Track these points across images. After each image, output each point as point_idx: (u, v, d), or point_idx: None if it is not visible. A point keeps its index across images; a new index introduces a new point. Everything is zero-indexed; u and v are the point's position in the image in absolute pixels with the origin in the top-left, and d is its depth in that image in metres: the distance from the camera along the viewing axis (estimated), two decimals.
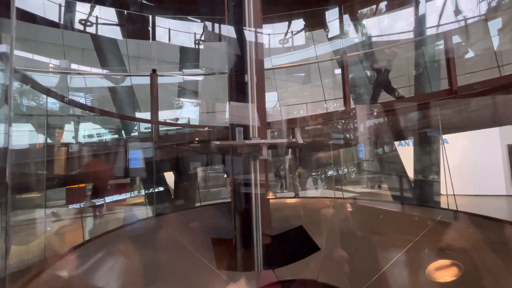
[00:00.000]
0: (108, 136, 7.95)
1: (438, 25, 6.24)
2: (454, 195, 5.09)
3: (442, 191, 5.39)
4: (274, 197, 5.18)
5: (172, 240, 2.25)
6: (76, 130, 7.42)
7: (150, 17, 7.01)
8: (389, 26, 7.54)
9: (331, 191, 7.35)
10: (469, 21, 6.88)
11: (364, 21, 7.53)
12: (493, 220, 2.33)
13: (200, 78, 8.81)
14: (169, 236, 2.27)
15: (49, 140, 4.05)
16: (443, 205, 5.02)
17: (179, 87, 8.27)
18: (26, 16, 6.04)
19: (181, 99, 9.01)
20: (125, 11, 6.60)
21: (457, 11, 6.76)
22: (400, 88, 8.03)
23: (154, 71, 3.59)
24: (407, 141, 6.74)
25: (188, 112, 9.03)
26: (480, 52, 7.02)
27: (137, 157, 3.82)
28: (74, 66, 9.35)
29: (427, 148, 5.65)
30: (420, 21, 6.64)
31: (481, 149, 7.76)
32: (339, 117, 4.09)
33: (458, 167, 6.39)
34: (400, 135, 5.63)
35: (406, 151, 6.39)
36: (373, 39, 7.40)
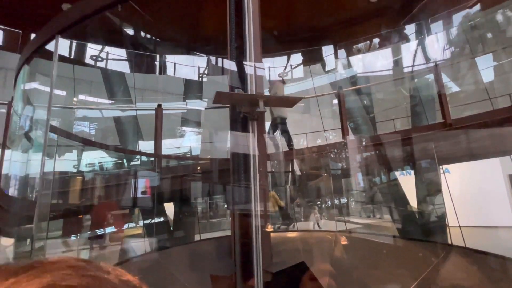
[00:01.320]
0: (109, 165, 8.00)
1: (427, 62, 6.59)
2: (459, 226, 4.98)
3: (448, 221, 5.28)
4: (273, 229, 5.08)
5: (172, 277, 2.20)
6: (78, 160, 7.51)
7: (158, 56, 7.46)
8: (382, 61, 7.97)
9: (333, 222, 7.19)
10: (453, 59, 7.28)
11: (359, 56, 7.96)
12: (500, 257, 2.28)
13: (202, 108, 9.10)
14: (168, 274, 2.22)
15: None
16: (449, 237, 4.89)
17: (183, 118, 8.51)
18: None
19: (184, 129, 9.22)
20: (134, 50, 7.04)
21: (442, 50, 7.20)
22: (398, 118, 8.27)
23: (159, 106, 3.77)
24: (408, 170, 6.75)
25: (190, 141, 9.18)
26: (470, 86, 7.32)
27: (138, 187, 3.84)
28: (81, 97, 9.75)
29: (428, 178, 5.65)
30: (410, 56, 7.04)
31: (483, 179, 7.73)
32: (338, 148, 4.17)
33: (461, 198, 6.32)
34: (399, 165, 5.67)
35: (407, 180, 6.37)
36: (368, 74, 7.78)
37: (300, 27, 7.06)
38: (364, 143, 4.29)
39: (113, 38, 6.77)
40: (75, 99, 8.77)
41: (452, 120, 3.92)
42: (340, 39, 7.25)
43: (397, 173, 6.39)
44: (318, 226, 7.49)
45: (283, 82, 4.90)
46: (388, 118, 8.71)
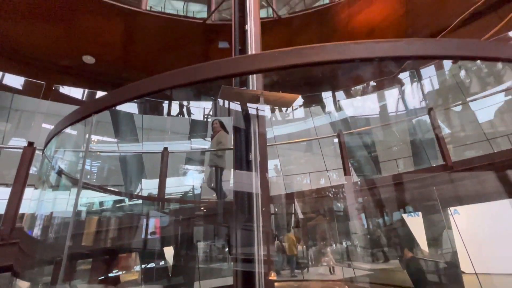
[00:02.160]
0: (109, 204, 7.90)
1: (422, 104, 6.87)
2: (476, 274, 4.67)
3: (462, 267, 4.97)
4: (276, 278, 4.79)
5: None
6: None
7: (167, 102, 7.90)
8: (379, 102, 8.31)
9: (340, 267, 6.78)
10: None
11: (357, 98, 8.33)
12: None
13: (207, 147, 9.29)
14: None
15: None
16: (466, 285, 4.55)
17: (187, 156, 8.64)
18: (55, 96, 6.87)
19: (188, 167, 9.29)
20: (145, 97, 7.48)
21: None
22: (400, 159, 8.31)
23: (165, 148, 3.90)
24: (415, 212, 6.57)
25: (194, 179, 9.18)
26: (467, 127, 7.48)
27: (141, 228, 3.76)
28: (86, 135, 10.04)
29: (436, 220, 5.48)
30: (406, 99, 7.35)
31: (495, 221, 7.42)
32: (341, 190, 4.16)
33: (473, 241, 6.02)
34: (405, 207, 5.55)
35: (415, 222, 6.16)
36: (367, 115, 8.06)
37: (301, 73, 7.55)
38: (367, 185, 4.28)
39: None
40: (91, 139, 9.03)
41: (453, 163, 3.96)
42: (337, 84, 7.69)
43: (405, 215, 6.22)
44: (333, 271, 7.03)
45: (226, 131, 4.68)
46: (390, 157, 8.76)
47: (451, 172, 4.00)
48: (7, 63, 5.97)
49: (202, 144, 9.63)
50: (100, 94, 8.35)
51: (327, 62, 0.92)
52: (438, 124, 4.24)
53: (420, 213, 5.58)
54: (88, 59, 6.23)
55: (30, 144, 3.22)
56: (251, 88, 3.70)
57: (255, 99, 3.21)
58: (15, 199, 2.93)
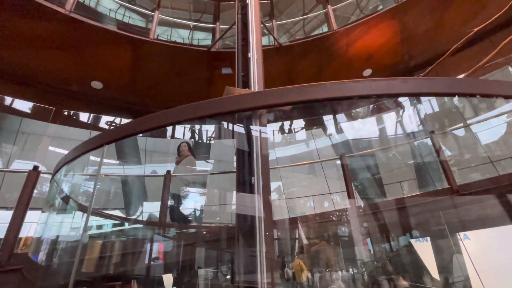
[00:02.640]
0: (109, 228, 7.75)
1: (423, 127, 6.92)
2: None
3: None
4: None
5: None
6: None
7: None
8: (380, 124, 8.39)
9: None
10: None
11: (359, 120, 8.43)
12: None
13: (208, 168, 9.28)
14: None
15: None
16: None
17: (190, 180, 8.59)
18: (63, 119, 7.03)
19: (189, 190, 9.21)
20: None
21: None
22: (404, 181, 8.21)
23: (168, 172, 3.91)
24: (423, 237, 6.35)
25: (195, 202, 9.06)
26: (470, 149, 7.46)
27: (139, 257, 3.66)
28: (92, 158, 10.13)
29: (444, 245, 5.27)
30: (407, 121, 7.43)
31: (508, 246, 7.14)
32: (345, 214, 4.08)
33: (485, 268, 5.75)
34: (412, 231, 5.39)
35: (424, 248, 5.93)
36: (369, 137, 8.10)
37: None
38: (372, 209, 4.21)
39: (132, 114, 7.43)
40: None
41: (458, 186, 3.91)
42: (337, 106, 7.81)
43: (412, 240, 6.01)
44: None
45: (194, 156, 4.58)
46: (394, 179, 8.66)
47: (457, 195, 3.94)
48: (17, 88, 6.18)
49: (205, 166, 9.62)
50: (105, 118, 8.54)
51: (327, 99, 0.96)
52: (440, 147, 4.25)
53: (428, 238, 5.39)
54: (96, 85, 6.46)
55: (35, 168, 3.25)
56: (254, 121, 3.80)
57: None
58: (16, 224, 2.91)
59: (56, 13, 4.82)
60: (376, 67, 6.92)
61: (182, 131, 9.23)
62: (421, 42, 6.38)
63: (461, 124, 7.68)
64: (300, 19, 7.89)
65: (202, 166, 9.83)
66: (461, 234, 5.86)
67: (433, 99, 7.95)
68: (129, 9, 9.02)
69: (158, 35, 6.64)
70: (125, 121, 8.48)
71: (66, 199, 2.60)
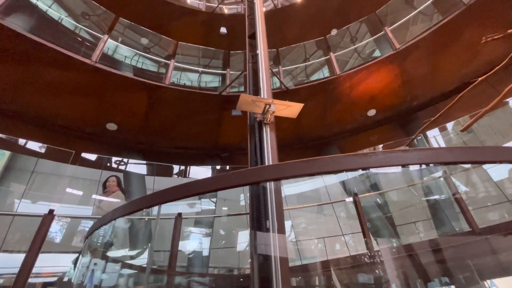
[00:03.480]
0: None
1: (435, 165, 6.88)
2: None
3: None
4: None
5: None
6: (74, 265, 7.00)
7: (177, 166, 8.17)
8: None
9: None
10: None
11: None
12: None
13: (212, 207, 9.08)
14: None
15: None
16: None
17: (195, 220, 8.39)
18: (63, 156, 7.17)
19: (194, 230, 8.93)
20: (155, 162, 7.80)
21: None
22: (419, 221, 7.90)
23: (179, 214, 3.85)
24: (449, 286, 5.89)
25: (201, 243, 8.70)
26: (485, 188, 7.30)
27: None
28: (96, 196, 10.06)
29: None
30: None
31: None
32: (363, 262, 3.86)
33: None
34: (436, 279, 5.01)
35: None
36: (378, 172, 8.03)
37: (308, 136, 7.88)
38: (392, 253, 3.99)
39: (142, 155, 7.61)
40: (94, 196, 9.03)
41: (480, 229, 3.76)
42: (345, 144, 7.93)
43: None
44: None
45: (123, 192, 4.29)
46: (406, 219, 8.33)
47: (481, 238, 3.77)
48: (34, 129, 6.43)
49: (211, 205, 9.44)
50: (114, 159, 8.69)
51: (334, 172, 1.01)
52: (454, 185, 4.19)
53: (453, 287, 5.00)
54: (111, 126, 6.74)
55: (51, 212, 3.25)
56: (266, 162, 3.86)
57: (268, 106, 3.47)
58: (27, 269, 2.81)
59: (83, 64, 5.27)
60: (380, 107, 7.17)
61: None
62: (421, 84, 6.71)
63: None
64: (303, 65, 8.46)
65: (208, 205, 9.65)
66: (488, 282, 5.43)
67: (439, 136, 8.05)
68: (144, 56, 9.78)
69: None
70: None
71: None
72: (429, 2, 6.49)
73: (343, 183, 8.99)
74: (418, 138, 7.49)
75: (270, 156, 3.90)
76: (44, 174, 7.38)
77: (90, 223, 8.30)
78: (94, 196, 9.47)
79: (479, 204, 7.01)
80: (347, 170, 1.10)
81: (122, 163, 8.96)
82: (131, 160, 8.62)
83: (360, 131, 7.80)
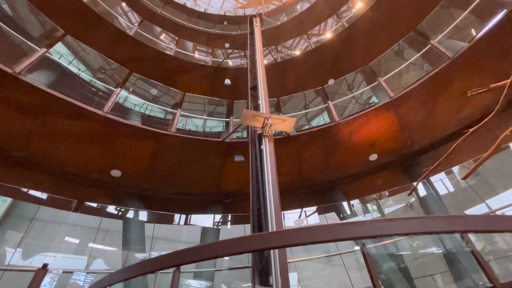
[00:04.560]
0: None
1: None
2: None
3: None
4: None
5: None
6: None
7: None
8: (397, 204, 8.11)
9: None
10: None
11: (370, 204, 8.22)
12: None
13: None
14: None
15: None
16: None
17: (194, 273, 7.86)
18: (64, 204, 7.08)
19: (194, 283, 8.30)
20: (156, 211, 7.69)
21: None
22: (436, 274, 7.29)
23: (178, 268, 3.65)
24: None
25: None
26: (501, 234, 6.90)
27: None
28: (92, 245, 9.64)
29: None
30: (425, 205, 7.19)
31: None
32: None
33: None
34: None
35: None
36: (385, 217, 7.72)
37: (311, 181, 7.82)
38: None
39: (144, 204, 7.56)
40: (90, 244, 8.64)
41: (501, 285, 3.47)
42: (350, 189, 7.81)
43: None
44: None
45: None
46: (422, 270, 7.71)
47: None
48: (37, 176, 6.48)
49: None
50: (111, 207, 8.57)
51: (335, 240, 1.02)
52: (469, 240, 3.98)
53: None
54: (116, 173, 6.81)
55: (44, 266, 3.12)
56: (268, 211, 3.82)
57: (266, 120, 3.87)
58: None
59: (95, 115, 5.60)
60: (381, 152, 7.25)
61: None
62: (419, 130, 6.88)
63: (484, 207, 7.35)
64: (303, 112, 8.85)
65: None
66: None
67: (446, 180, 7.92)
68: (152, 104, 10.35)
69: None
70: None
71: None
72: (417, 55, 7.04)
73: None
74: (423, 181, 7.37)
75: (269, 162, 4.02)
76: (42, 221, 7.23)
77: (82, 275, 7.80)
78: (90, 244, 9.07)
79: (499, 254, 6.54)
80: (337, 240, 1.10)
81: (122, 210, 8.80)
82: (132, 208, 8.47)
83: (364, 175, 7.75)
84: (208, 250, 1.23)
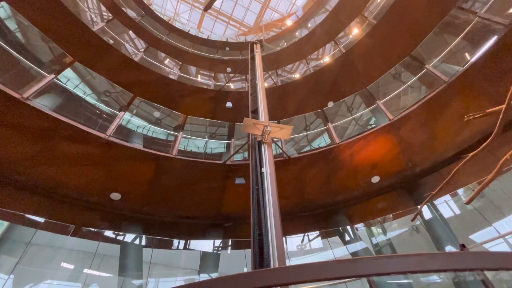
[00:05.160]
0: None
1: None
2: None
3: None
4: None
5: None
6: None
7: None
8: (402, 227, 7.87)
9: None
10: None
11: (374, 228, 7.99)
12: None
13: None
14: None
15: None
16: None
17: None
18: (62, 228, 6.93)
19: None
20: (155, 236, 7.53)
21: None
22: None
23: None
24: None
25: None
26: None
27: None
28: (88, 271, 9.29)
29: None
30: (430, 228, 6.99)
31: None
32: None
33: None
34: None
35: None
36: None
37: (313, 204, 7.70)
38: None
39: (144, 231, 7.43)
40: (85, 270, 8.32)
41: None
42: (353, 213, 7.65)
43: None
44: None
45: None
46: None
47: None
48: (34, 199, 6.38)
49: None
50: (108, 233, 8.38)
51: (346, 277, 1.00)
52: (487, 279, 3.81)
53: None
54: (115, 196, 6.75)
55: None
56: (269, 234, 3.75)
57: (265, 127, 4.20)
58: None
59: (98, 138, 5.67)
60: (383, 174, 7.19)
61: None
62: (420, 151, 6.87)
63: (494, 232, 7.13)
64: (304, 134, 8.92)
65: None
66: None
67: (451, 202, 7.76)
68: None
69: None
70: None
71: None
72: (414, 79, 7.22)
73: (355, 255, 8.27)
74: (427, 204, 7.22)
75: (268, 165, 4.22)
76: (38, 246, 7.04)
77: None
78: (85, 270, 8.75)
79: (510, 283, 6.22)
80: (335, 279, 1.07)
81: (120, 235, 8.59)
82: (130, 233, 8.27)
83: (367, 198, 7.63)
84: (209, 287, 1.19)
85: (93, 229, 7.11)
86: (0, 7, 7.35)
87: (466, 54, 6.70)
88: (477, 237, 7.39)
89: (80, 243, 7.99)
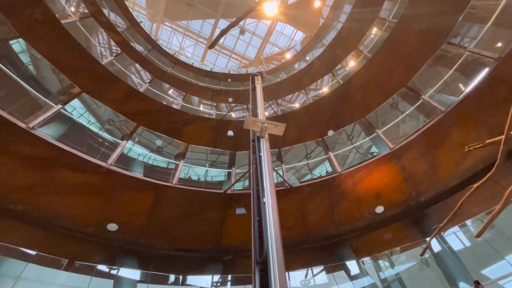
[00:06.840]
0: None
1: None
2: None
3: None
4: None
5: None
6: None
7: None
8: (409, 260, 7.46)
9: None
10: None
11: (381, 261, 7.61)
12: None
13: None
14: None
15: None
16: None
17: None
18: (54, 262, 6.59)
19: None
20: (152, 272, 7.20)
21: None
22: None
23: None
24: None
25: None
26: None
27: None
28: None
29: None
30: (439, 261, 6.64)
31: None
32: None
33: None
34: None
35: None
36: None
37: (317, 235, 7.41)
38: None
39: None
40: None
41: None
42: (358, 245, 7.34)
43: None
44: None
45: None
46: None
47: None
48: (27, 230, 6.13)
49: None
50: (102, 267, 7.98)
51: None
52: None
53: None
54: (112, 227, 6.54)
55: None
56: (272, 269, 3.60)
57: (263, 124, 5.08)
58: None
59: (98, 167, 5.65)
60: (387, 204, 7.03)
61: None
62: (423, 180, 6.78)
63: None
64: (305, 163, 8.89)
65: None
66: None
67: (460, 233, 7.46)
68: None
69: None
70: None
71: None
72: (411, 109, 7.38)
73: None
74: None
75: (265, 157, 4.82)
76: (27, 281, 6.65)
77: None
78: None
79: None
80: None
81: (114, 268, 8.16)
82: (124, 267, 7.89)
83: (372, 229, 7.36)
84: None
85: (87, 263, 6.76)
86: (16, 42, 7.80)
87: (460, 85, 6.92)
88: (490, 272, 6.98)
89: (72, 278, 7.56)
